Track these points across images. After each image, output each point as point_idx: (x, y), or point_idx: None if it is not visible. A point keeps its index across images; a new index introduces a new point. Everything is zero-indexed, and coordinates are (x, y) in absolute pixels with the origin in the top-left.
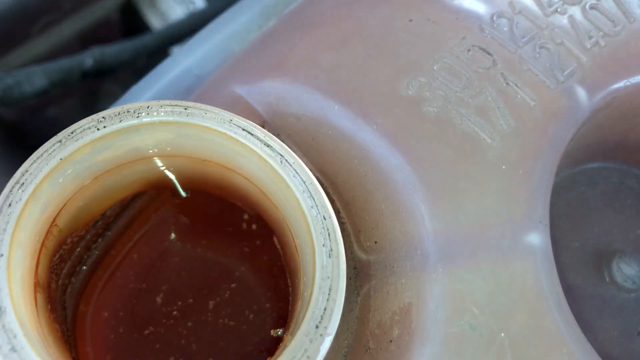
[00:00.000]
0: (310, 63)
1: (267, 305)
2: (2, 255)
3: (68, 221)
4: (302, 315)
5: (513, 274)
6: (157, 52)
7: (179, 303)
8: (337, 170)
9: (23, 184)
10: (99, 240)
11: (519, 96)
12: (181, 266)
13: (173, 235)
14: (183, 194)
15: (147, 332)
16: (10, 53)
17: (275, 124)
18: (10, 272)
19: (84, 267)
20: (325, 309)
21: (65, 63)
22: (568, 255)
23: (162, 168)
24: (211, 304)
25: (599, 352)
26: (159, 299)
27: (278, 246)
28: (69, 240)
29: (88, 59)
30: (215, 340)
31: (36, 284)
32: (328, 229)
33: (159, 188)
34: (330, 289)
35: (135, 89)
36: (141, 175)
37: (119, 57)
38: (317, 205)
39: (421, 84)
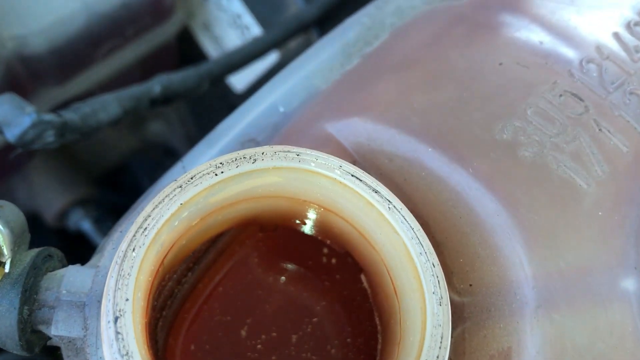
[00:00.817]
0: (402, 104)
1: (348, 340)
2: (127, 299)
3: (171, 259)
4: None
5: (612, 319)
6: (219, 79)
7: (263, 336)
8: (429, 212)
9: (146, 228)
10: (189, 274)
11: (612, 142)
12: (264, 299)
13: (256, 269)
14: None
15: None
16: (78, 76)
17: (366, 163)
18: (134, 315)
19: (175, 301)
20: (437, 357)
21: (136, 91)
22: None
23: (263, 207)
24: (294, 337)
25: None
26: (243, 332)
27: (365, 284)
28: (167, 277)
29: (156, 86)
30: None
31: (148, 324)
32: (438, 277)
33: (249, 224)
34: (442, 337)
35: (224, 124)
36: (238, 214)
37: (185, 84)
38: (425, 252)
39: (516, 128)
